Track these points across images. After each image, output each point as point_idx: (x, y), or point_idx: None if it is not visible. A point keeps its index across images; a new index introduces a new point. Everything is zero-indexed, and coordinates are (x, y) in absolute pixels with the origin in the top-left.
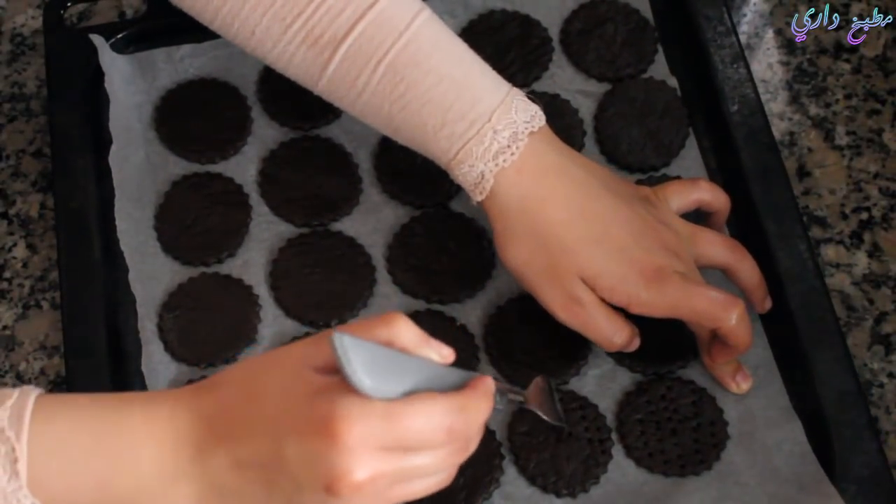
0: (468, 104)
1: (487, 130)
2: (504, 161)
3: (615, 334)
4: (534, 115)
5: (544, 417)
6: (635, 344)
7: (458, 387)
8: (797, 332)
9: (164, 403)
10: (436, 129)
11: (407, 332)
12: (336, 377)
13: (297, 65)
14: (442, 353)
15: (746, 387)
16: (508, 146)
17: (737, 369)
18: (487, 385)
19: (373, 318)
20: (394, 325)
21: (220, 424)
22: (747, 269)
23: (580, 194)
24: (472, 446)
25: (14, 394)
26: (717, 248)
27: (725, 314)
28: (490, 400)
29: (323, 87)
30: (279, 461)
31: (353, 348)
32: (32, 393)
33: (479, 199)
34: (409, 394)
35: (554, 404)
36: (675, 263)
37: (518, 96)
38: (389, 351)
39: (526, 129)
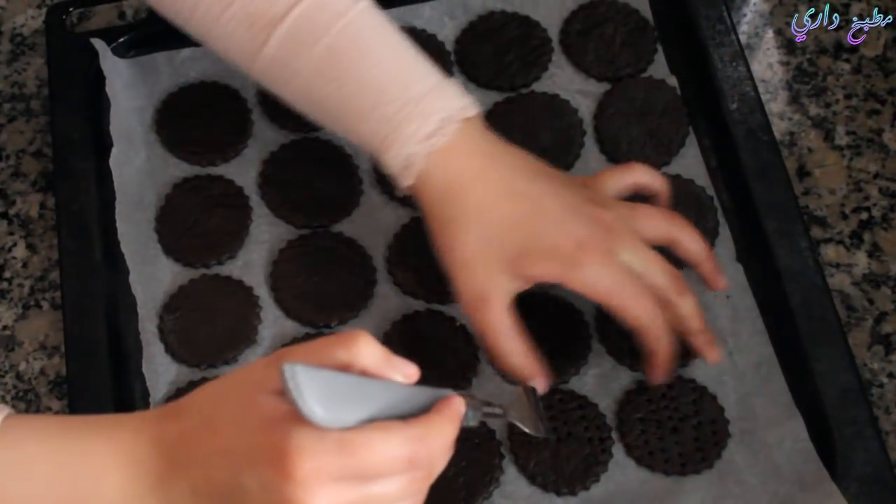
0: (401, 87)
1: (418, 113)
2: (434, 144)
3: (512, 354)
4: (466, 104)
5: (525, 430)
6: (537, 381)
7: (425, 408)
8: (798, 330)
9: (128, 429)
10: (368, 111)
11: (368, 354)
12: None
13: (234, 46)
14: (406, 373)
15: (716, 356)
16: (439, 129)
17: (705, 343)
18: (453, 408)
19: (333, 337)
20: (354, 345)
21: (179, 453)
22: (690, 239)
23: (510, 176)
24: (437, 471)
25: None
26: (656, 219)
27: (670, 285)
28: (455, 422)
29: (259, 68)
30: (238, 491)
31: (304, 378)
32: (0, 414)
33: (408, 183)
34: (369, 420)
35: (537, 415)
36: (608, 238)
37: (452, 85)
38: (347, 376)
39: (458, 114)
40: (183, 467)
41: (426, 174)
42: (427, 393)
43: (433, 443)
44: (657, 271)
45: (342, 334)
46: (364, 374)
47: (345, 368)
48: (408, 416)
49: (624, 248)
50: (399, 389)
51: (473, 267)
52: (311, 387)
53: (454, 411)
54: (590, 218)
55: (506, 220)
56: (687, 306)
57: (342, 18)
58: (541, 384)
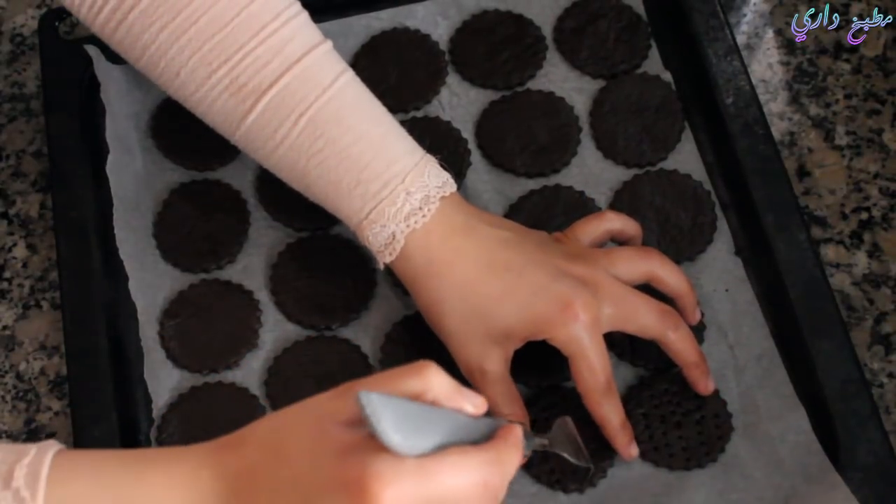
0: (384, 165)
1: (401, 192)
2: (415, 223)
3: (508, 415)
4: (446, 181)
5: (571, 460)
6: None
7: (486, 436)
8: (799, 323)
9: (186, 462)
10: (350, 187)
11: (440, 383)
12: (363, 432)
13: (217, 111)
14: (475, 403)
15: (709, 388)
16: (420, 208)
17: (701, 375)
18: (516, 435)
19: (403, 368)
20: (426, 376)
21: (244, 485)
22: (669, 273)
23: (487, 249)
24: (501, 496)
25: (31, 451)
26: (633, 259)
27: (659, 324)
28: (520, 450)
29: (241, 136)
30: None
31: (381, 406)
32: (51, 450)
33: (388, 260)
34: (440, 448)
35: (578, 444)
36: (591, 293)
37: (431, 162)
38: (416, 405)
39: (438, 192)
40: (249, 499)
41: (406, 253)
42: (486, 422)
43: (505, 468)
44: (644, 313)
45: (412, 365)
46: (435, 403)
47: (416, 398)
48: (471, 443)
49: (604, 300)
50: (461, 418)
51: (465, 342)
52: (387, 414)
53: (517, 439)
54: (570, 277)
55: (489, 296)
56: (679, 342)
57: (325, 93)
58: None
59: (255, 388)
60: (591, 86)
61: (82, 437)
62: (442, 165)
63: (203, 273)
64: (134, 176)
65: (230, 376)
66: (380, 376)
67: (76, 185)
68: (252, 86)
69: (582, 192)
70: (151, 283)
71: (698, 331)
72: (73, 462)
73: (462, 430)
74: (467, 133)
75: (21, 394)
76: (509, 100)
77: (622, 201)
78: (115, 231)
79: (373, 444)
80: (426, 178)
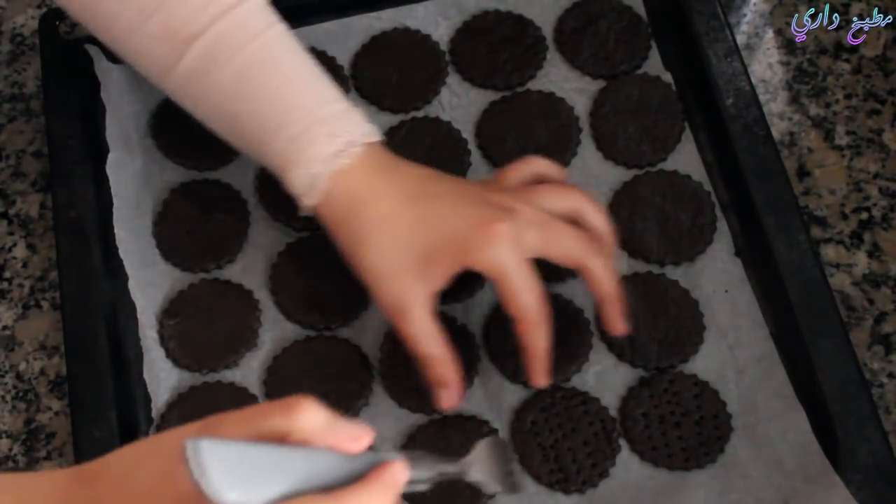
0: (309, 109)
1: (324, 134)
2: (338, 165)
3: (433, 360)
4: (370, 131)
5: (489, 490)
6: (451, 391)
7: (363, 474)
8: (798, 323)
9: (38, 493)
10: (275, 130)
11: (310, 421)
12: None
13: (150, 59)
14: (354, 436)
15: (621, 329)
16: (343, 150)
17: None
18: (391, 475)
19: (271, 404)
20: (293, 414)
21: None
22: (592, 211)
23: (409, 184)
24: None
25: None
26: (557, 193)
27: (582, 248)
28: (390, 491)
29: (173, 83)
30: None
31: (211, 454)
32: None
33: (311, 203)
34: (293, 495)
35: (505, 467)
36: (509, 216)
37: (357, 112)
38: (267, 447)
39: (362, 138)
40: None
41: (329, 194)
42: (366, 458)
43: None
44: (567, 237)
45: (281, 402)
46: (306, 443)
47: (282, 438)
48: (342, 485)
49: (527, 224)
50: (331, 458)
51: (387, 279)
52: (219, 463)
53: (390, 479)
54: (489, 202)
55: (408, 225)
56: (601, 270)
57: (256, 39)
58: (452, 396)
59: (255, 387)
60: (592, 86)
61: (82, 437)
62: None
63: (203, 273)
64: (134, 175)
65: (230, 376)
66: (244, 412)
67: (76, 184)
68: (185, 33)
69: None
70: (151, 283)
71: (698, 331)
72: None
73: (328, 471)
74: (467, 133)
75: (21, 394)
76: (509, 100)
77: (622, 202)
78: (116, 230)
79: None
80: (351, 124)
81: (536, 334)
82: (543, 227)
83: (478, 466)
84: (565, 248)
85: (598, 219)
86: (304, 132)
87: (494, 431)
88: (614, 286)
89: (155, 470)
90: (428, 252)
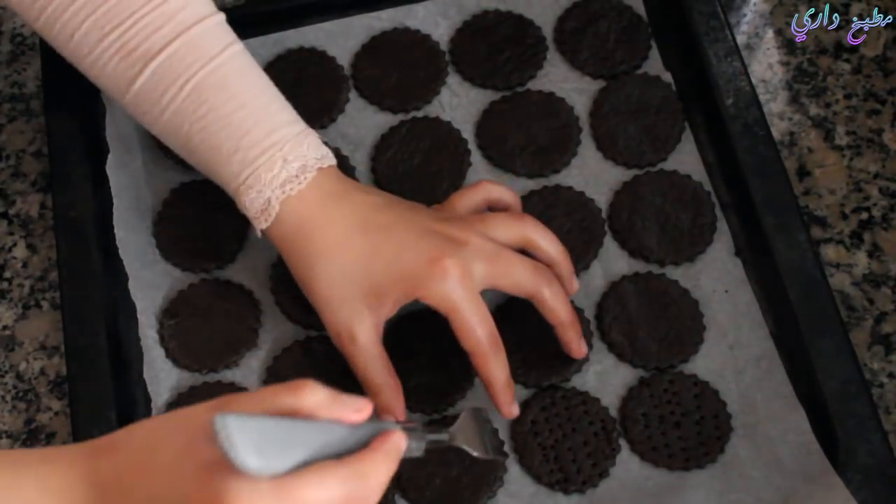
0: (263, 133)
1: (278, 159)
2: (290, 189)
3: (377, 388)
4: (325, 155)
5: (473, 454)
6: (394, 416)
7: (367, 442)
8: (798, 323)
9: (59, 466)
10: (230, 152)
11: (313, 397)
12: None
13: (108, 75)
14: (357, 408)
15: (581, 352)
16: (296, 176)
17: (574, 336)
18: (392, 443)
19: (279, 386)
20: (300, 392)
21: (113, 495)
22: (544, 239)
23: (358, 212)
24: None
25: None
26: (507, 223)
27: (533, 279)
28: (393, 457)
29: (129, 100)
30: None
31: (237, 428)
32: None
33: (263, 226)
34: (308, 463)
35: (484, 438)
36: (459, 251)
37: (312, 135)
38: (284, 421)
39: (316, 163)
40: None
41: (280, 219)
42: (369, 428)
43: (370, 481)
44: (517, 269)
45: (288, 382)
46: (312, 417)
47: (292, 414)
48: (350, 452)
49: (475, 257)
50: (338, 429)
51: (335, 305)
52: (244, 436)
53: (392, 446)
54: (440, 235)
55: (358, 255)
56: (553, 299)
57: (212, 61)
58: (395, 416)
59: (255, 387)
60: (592, 86)
61: (82, 436)
62: (324, 143)
63: (203, 272)
64: (134, 175)
65: (229, 376)
66: (256, 393)
67: (76, 184)
68: (141, 51)
69: (582, 193)
70: (151, 283)
71: (698, 331)
72: None
73: (340, 440)
74: (467, 133)
75: (21, 394)
76: (509, 100)
77: (622, 202)
78: (115, 230)
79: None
80: (305, 148)
81: (492, 366)
82: (492, 260)
83: (461, 434)
84: (515, 279)
85: (550, 245)
86: (258, 157)
87: (478, 411)
88: (567, 312)
89: (177, 443)
90: (376, 284)
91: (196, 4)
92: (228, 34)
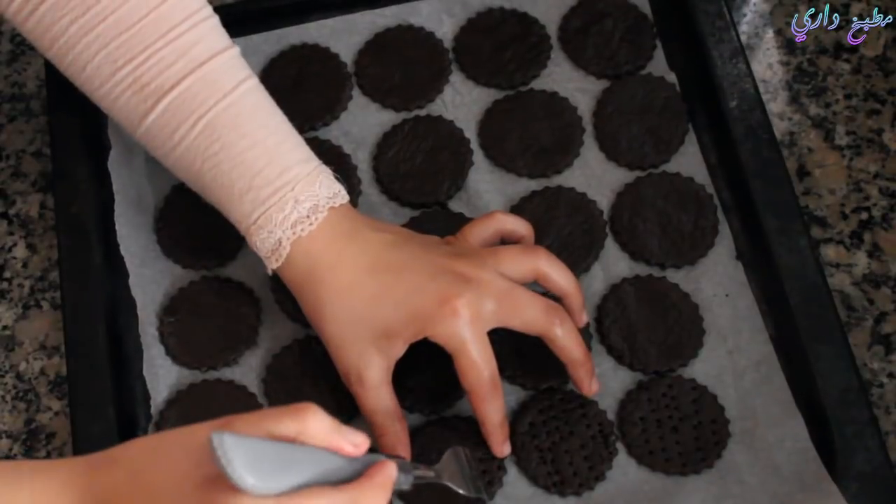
0: (276, 172)
1: (290, 199)
2: (301, 230)
3: (383, 429)
4: (337, 193)
5: (459, 491)
6: (396, 451)
7: (359, 473)
8: (798, 329)
9: (55, 479)
10: (241, 191)
11: (316, 425)
12: None
13: (120, 108)
14: (355, 442)
15: (596, 389)
16: (308, 216)
17: (586, 374)
18: (385, 474)
19: (282, 409)
20: (302, 418)
21: None
22: (556, 272)
23: (369, 252)
24: None
25: None
26: (519, 257)
27: (544, 319)
28: (386, 488)
29: (141, 134)
30: None
31: (234, 447)
32: None
33: (274, 266)
34: (302, 487)
35: (470, 474)
36: (470, 289)
37: (325, 173)
38: (282, 445)
39: (327, 202)
40: None
41: (291, 259)
42: (364, 459)
43: None
44: (529, 308)
45: (291, 406)
46: (311, 443)
47: (292, 440)
48: (342, 482)
49: (487, 296)
50: (335, 458)
51: (346, 347)
52: (241, 454)
53: (385, 477)
54: (451, 273)
55: (368, 297)
56: (565, 338)
57: (226, 97)
58: (401, 454)
59: (254, 386)
60: (595, 86)
61: (81, 436)
62: (337, 178)
63: (204, 270)
64: (136, 172)
65: (229, 374)
66: (258, 414)
67: (78, 182)
68: (154, 86)
69: (584, 194)
70: (152, 280)
71: (698, 335)
72: None
73: (334, 468)
74: (470, 132)
75: (21, 394)
76: (513, 99)
77: (624, 203)
78: (117, 227)
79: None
80: (317, 187)
81: (489, 408)
82: (503, 299)
83: (447, 472)
84: (525, 319)
85: (562, 277)
86: (269, 197)
87: (462, 450)
88: (579, 351)
89: (177, 460)
90: (387, 326)
91: (211, 39)
92: (242, 69)
